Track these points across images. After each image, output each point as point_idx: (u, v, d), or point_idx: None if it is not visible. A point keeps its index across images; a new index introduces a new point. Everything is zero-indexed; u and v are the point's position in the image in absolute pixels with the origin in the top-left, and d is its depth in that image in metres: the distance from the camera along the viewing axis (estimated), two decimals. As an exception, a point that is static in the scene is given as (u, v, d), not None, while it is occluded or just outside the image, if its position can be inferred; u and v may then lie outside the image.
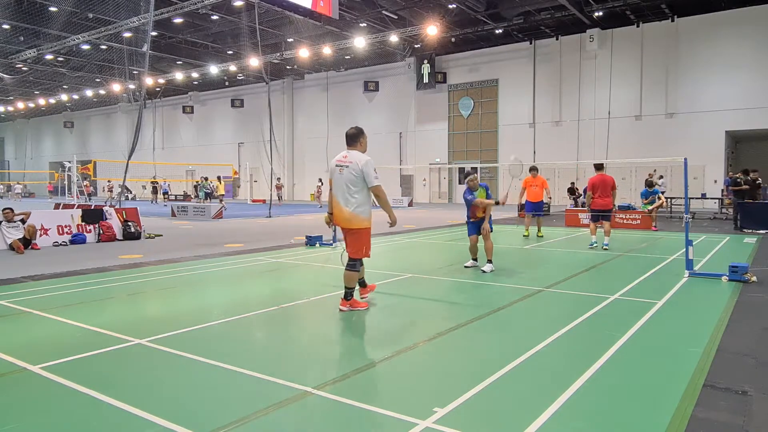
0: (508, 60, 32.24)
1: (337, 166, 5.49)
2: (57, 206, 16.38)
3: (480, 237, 8.43)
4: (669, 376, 3.82)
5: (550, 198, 13.32)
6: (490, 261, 8.30)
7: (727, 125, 25.85)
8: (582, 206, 20.18)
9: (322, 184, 31.49)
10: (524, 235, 13.41)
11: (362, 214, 5.42)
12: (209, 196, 31.80)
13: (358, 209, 5.39)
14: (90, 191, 33.42)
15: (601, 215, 10.93)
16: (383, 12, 27.63)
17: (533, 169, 13.27)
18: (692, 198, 18.13)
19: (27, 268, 8.74)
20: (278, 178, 34.16)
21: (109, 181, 35.14)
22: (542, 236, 13.37)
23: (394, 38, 30.06)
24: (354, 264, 5.57)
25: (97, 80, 40.56)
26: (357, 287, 5.87)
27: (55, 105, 50.29)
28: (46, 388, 3.68)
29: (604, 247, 10.83)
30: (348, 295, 5.66)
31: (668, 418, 3.12)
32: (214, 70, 36.83)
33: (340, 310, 5.69)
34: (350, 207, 5.38)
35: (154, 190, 36.04)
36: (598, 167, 11.34)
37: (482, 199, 8.23)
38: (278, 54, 33.26)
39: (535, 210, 13.27)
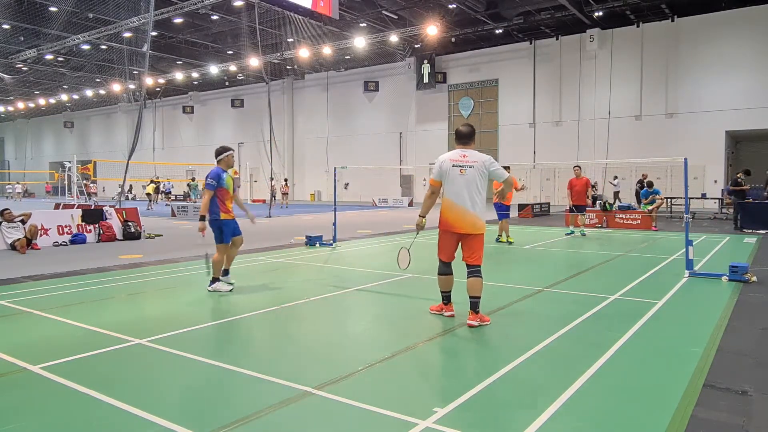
0: (508, 60, 32.25)
1: (455, 166, 5.05)
2: (57, 206, 16.39)
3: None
4: (669, 376, 3.82)
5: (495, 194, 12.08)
6: (226, 271, 6.97)
7: (727, 125, 25.85)
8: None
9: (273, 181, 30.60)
10: (509, 242, 12.01)
11: (483, 217, 5.12)
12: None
13: (481, 212, 5.08)
14: (90, 191, 33.42)
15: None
16: (383, 12, 27.63)
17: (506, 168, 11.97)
18: (692, 198, 18.14)
19: (27, 268, 8.74)
20: (284, 179, 33.93)
21: (94, 182, 34.86)
22: (512, 242, 12.10)
23: (394, 38, 30.07)
24: (480, 270, 5.09)
25: (97, 80, 40.56)
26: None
27: (55, 105, 50.29)
28: (46, 388, 3.68)
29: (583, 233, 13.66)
30: (478, 306, 5.05)
31: (668, 418, 3.12)
32: (214, 70, 36.83)
33: (470, 326, 5.00)
34: (477, 210, 5.04)
35: (156, 190, 35.89)
36: (579, 168, 13.83)
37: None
38: (278, 54, 33.26)
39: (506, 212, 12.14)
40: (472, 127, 5.29)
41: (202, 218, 6.69)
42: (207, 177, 6.75)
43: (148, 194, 30.32)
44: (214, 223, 6.79)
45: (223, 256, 6.89)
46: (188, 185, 33.13)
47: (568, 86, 30.09)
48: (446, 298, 5.44)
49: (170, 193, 36.10)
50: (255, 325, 5.41)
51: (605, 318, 5.46)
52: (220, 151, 6.93)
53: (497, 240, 12.10)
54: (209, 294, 6.80)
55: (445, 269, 5.35)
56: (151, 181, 31.07)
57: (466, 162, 5.08)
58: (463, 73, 34.03)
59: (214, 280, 6.84)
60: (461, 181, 5.07)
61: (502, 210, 12.01)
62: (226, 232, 6.82)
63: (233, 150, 7.12)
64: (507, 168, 11.75)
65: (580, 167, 13.89)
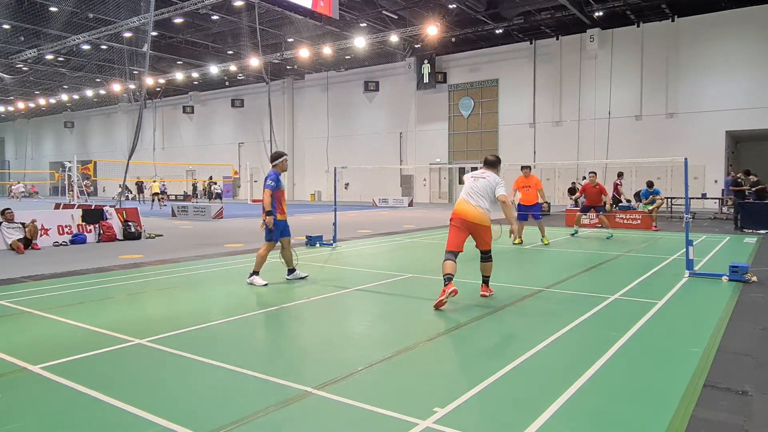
0: (509, 60, 32.24)
1: (471, 177, 6.53)
2: (57, 206, 16.40)
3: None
4: (669, 376, 3.82)
5: (548, 203, 12.06)
6: (292, 269, 7.65)
7: (727, 125, 25.84)
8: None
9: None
10: (515, 243, 11.77)
11: (487, 215, 6.30)
12: (219, 196, 33.22)
13: (484, 209, 6.26)
14: (90, 190, 33.56)
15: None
16: (383, 12, 27.62)
17: (525, 168, 11.98)
18: (692, 198, 18.14)
19: (27, 268, 8.74)
20: None
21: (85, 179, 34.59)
22: (548, 243, 11.78)
23: (394, 38, 30.06)
24: (490, 255, 6.43)
25: (98, 80, 40.56)
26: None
27: (55, 105, 50.29)
28: (46, 388, 3.68)
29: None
30: (488, 282, 6.56)
31: (668, 418, 3.12)
32: (214, 70, 36.83)
33: (482, 296, 6.40)
34: (479, 206, 6.23)
35: (140, 190, 36.35)
36: (593, 174, 13.72)
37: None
38: (278, 54, 33.26)
39: (530, 213, 11.90)
40: (497, 158, 6.69)
41: (269, 213, 7.20)
42: (267, 178, 7.33)
43: (155, 194, 30.56)
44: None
45: (268, 252, 7.36)
46: (209, 185, 34.80)
47: (568, 86, 30.08)
48: (449, 280, 5.85)
49: (165, 192, 36.11)
50: (255, 325, 5.41)
51: (605, 318, 5.46)
52: (276, 156, 7.57)
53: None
54: (209, 294, 6.81)
55: (449, 257, 6.09)
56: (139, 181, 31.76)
57: (482, 176, 6.46)
58: (463, 73, 34.01)
59: (253, 273, 7.28)
60: (472, 186, 6.40)
61: (523, 211, 11.92)
62: (276, 231, 7.31)
63: (287, 155, 7.72)
64: (528, 168, 12.02)
65: (595, 173, 13.68)
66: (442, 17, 27.92)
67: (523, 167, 12.06)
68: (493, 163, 6.57)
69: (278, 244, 7.48)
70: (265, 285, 7.17)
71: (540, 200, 12.17)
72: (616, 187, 18.47)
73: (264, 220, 7.27)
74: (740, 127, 25.75)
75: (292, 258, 7.66)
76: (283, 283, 7.53)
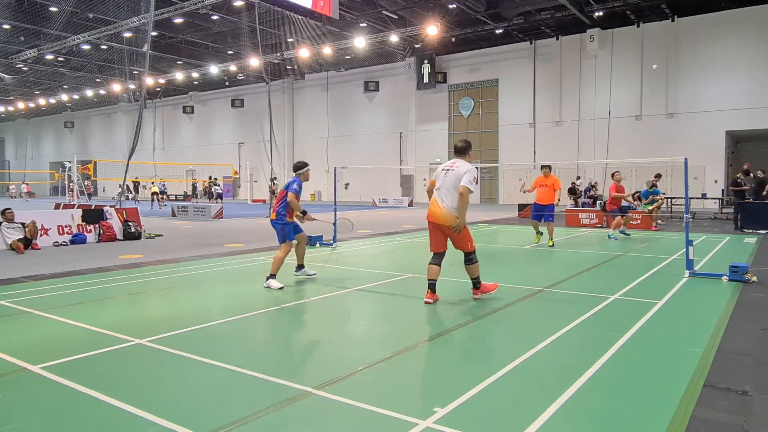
0: (509, 60, 32.24)
1: (443, 169, 6.13)
2: (57, 206, 16.40)
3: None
4: (669, 376, 3.82)
5: (558, 200, 11.80)
6: (301, 266, 7.74)
7: (727, 125, 25.85)
8: (583, 206, 20.89)
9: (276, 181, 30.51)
10: (536, 243, 11.86)
11: (454, 213, 5.89)
12: (219, 196, 34.04)
13: (451, 208, 5.88)
14: (90, 191, 33.59)
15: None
16: (383, 12, 27.63)
17: (545, 167, 11.63)
18: (692, 198, 18.12)
19: (27, 268, 8.74)
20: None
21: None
22: (553, 245, 11.48)
23: (394, 38, 30.06)
24: (471, 258, 6.06)
25: (98, 80, 40.56)
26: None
27: (55, 105, 50.28)
28: (46, 388, 3.68)
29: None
30: (477, 284, 6.21)
31: (668, 418, 3.12)
32: (214, 70, 36.83)
33: (474, 299, 6.20)
34: (445, 205, 5.91)
35: (136, 189, 37.05)
36: (615, 174, 13.38)
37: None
38: (278, 54, 33.27)
39: (542, 213, 11.58)
40: (466, 143, 6.26)
41: (304, 212, 7.34)
42: (293, 182, 7.31)
43: (154, 193, 30.69)
44: (277, 224, 7.30)
45: (286, 254, 7.30)
46: (210, 185, 35.67)
47: (568, 86, 30.08)
48: (429, 287, 6.07)
49: (165, 192, 36.13)
50: (255, 325, 5.41)
51: (605, 318, 5.46)
52: (300, 166, 7.54)
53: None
54: (209, 294, 6.80)
55: (432, 260, 6.09)
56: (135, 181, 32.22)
57: (451, 167, 6.06)
58: (463, 73, 34.01)
59: (270, 276, 7.15)
60: (442, 181, 6.04)
61: (537, 211, 11.72)
62: (288, 232, 7.32)
63: (309, 165, 7.78)
64: (548, 167, 11.72)
65: (619, 172, 13.43)
66: (442, 17, 27.92)
67: (542, 167, 11.79)
68: (462, 150, 6.12)
69: (294, 242, 7.50)
70: (281, 288, 6.97)
71: (555, 200, 11.58)
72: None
73: (298, 220, 7.43)
74: (740, 127, 25.76)
75: (283, 262, 7.39)
76: (285, 282, 7.53)
